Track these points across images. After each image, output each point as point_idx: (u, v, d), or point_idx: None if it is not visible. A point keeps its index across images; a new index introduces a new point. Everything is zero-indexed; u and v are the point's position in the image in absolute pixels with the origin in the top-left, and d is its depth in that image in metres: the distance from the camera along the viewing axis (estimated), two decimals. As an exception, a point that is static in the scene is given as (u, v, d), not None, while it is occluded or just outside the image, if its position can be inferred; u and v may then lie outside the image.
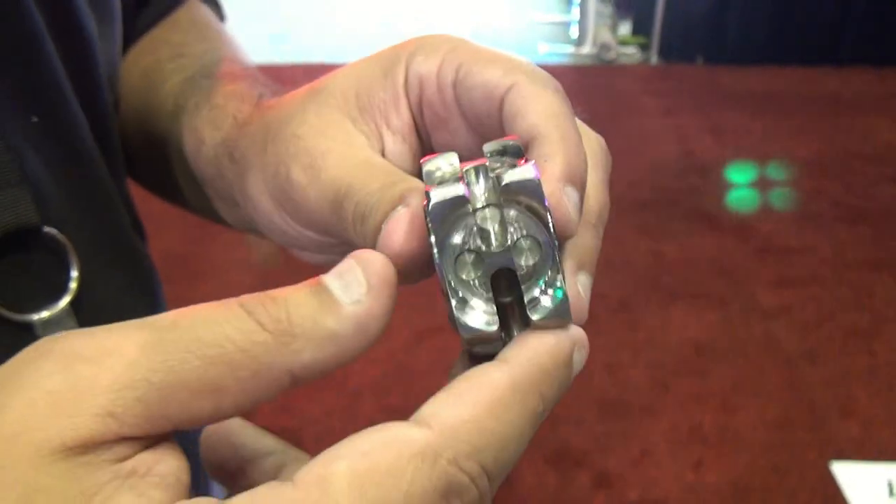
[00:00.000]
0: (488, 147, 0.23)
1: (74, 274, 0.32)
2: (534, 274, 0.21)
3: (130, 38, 0.43)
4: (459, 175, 0.22)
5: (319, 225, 0.26)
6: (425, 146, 0.27)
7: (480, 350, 0.22)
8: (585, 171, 0.23)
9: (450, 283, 0.21)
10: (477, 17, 4.60)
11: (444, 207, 0.21)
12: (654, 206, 2.45)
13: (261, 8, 4.70)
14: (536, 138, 0.23)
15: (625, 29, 4.22)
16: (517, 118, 0.24)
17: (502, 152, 0.23)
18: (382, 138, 0.26)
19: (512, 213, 0.21)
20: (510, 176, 0.21)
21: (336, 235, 0.26)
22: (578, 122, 0.25)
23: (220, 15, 0.48)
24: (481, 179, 0.21)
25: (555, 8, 4.77)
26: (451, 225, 0.21)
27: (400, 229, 0.22)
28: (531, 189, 0.21)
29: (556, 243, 0.22)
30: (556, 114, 0.23)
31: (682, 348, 1.83)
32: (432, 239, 0.21)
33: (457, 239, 0.21)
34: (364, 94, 0.26)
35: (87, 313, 0.32)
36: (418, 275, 0.22)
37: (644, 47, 4.05)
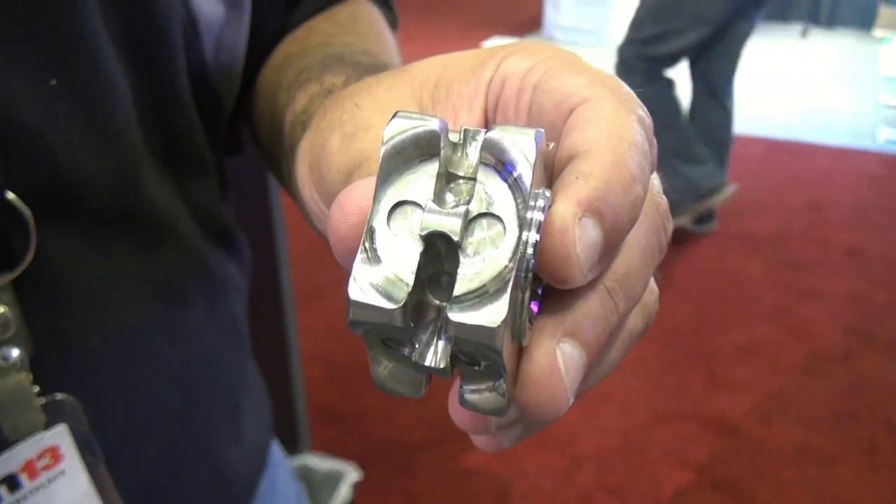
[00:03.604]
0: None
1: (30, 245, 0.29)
2: (481, 269, 0.16)
3: (286, 29, 0.43)
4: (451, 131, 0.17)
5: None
6: None
7: (386, 343, 0.17)
8: (627, 212, 0.18)
9: (370, 229, 0.16)
10: (811, 93, 4.21)
11: (407, 136, 0.17)
12: None
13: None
14: (583, 154, 0.18)
15: None
16: (575, 130, 0.19)
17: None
18: None
19: (492, 185, 0.16)
20: (503, 131, 0.17)
21: None
22: (655, 177, 0.20)
23: (392, 19, 0.47)
24: (476, 143, 0.17)
25: (908, 92, 4.18)
26: (407, 164, 0.17)
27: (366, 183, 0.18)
28: (518, 155, 0.16)
29: (531, 257, 0.16)
30: (622, 139, 0.19)
31: None
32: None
33: (407, 182, 0.16)
34: (444, 84, 0.23)
35: (32, 288, 0.30)
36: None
37: None
